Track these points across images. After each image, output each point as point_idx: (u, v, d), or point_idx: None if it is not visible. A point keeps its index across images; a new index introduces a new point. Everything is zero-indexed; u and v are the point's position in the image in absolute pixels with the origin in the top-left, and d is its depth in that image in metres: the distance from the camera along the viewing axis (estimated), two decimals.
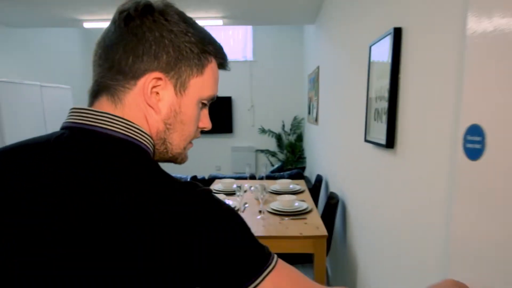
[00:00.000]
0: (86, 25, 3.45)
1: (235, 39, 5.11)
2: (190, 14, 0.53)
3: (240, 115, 5.18)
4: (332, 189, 2.38)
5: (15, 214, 0.50)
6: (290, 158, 4.81)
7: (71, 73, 4.62)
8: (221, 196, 2.04)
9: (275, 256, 0.50)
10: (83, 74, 4.95)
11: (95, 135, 0.47)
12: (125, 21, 0.48)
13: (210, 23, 3.48)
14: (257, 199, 1.99)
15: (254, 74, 5.06)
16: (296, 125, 5.01)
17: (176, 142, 0.54)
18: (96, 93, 0.51)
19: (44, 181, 0.48)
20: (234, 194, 2.23)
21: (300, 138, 4.96)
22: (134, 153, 0.48)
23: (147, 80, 0.49)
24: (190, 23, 0.51)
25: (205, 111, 0.58)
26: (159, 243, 0.41)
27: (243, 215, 1.81)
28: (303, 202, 2.04)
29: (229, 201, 1.99)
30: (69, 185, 0.46)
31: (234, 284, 0.46)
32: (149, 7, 0.49)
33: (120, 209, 0.42)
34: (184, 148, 0.56)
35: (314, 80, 3.41)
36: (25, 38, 3.81)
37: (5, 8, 3.01)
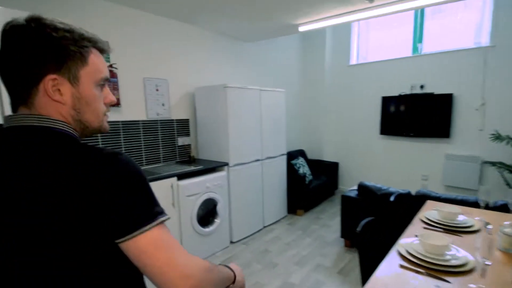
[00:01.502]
0: (301, 28, 3.60)
1: (464, 24, 4.06)
2: None
3: (463, 116, 4.11)
4: None
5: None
6: None
7: (288, 77, 5.08)
8: (434, 234, 1.54)
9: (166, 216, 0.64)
10: (298, 78, 5.33)
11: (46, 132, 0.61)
12: (9, 34, 0.58)
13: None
14: (506, 252, 1.36)
15: (490, 62, 3.86)
16: None
17: (91, 119, 0.67)
18: (15, 106, 0.64)
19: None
20: (459, 231, 1.67)
21: None
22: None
23: (46, 83, 0.60)
24: (64, 28, 0.61)
25: (106, 90, 0.71)
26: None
27: (484, 282, 1.14)
28: None
29: (457, 250, 1.38)
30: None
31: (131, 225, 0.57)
32: (32, 20, 0.59)
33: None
34: (101, 121, 0.69)
35: None
36: (255, 50, 4.44)
37: (241, 26, 3.56)
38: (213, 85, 3.35)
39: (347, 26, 4.98)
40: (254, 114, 3.58)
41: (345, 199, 3.22)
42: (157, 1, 2.84)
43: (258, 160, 3.66)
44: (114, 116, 2.88)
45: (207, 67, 3.79)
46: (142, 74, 3.10)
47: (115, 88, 2.83)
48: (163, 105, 3.28)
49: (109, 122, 2.84)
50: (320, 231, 3.68)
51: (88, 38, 0.65)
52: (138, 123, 3.08)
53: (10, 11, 1.99)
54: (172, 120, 3.40)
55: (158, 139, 3.27)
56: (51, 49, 0.60)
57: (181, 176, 2.84)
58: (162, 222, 0.62)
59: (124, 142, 2.97)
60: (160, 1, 2.84)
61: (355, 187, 3.33)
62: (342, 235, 3.30)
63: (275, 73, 4.88)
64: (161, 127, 3.29)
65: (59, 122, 0.63)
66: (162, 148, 3.31)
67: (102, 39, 0.69)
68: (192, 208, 2.85)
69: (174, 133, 3.43)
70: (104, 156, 0.59)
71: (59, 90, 0.62)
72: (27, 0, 2.31)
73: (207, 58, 3.78)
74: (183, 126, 3.53)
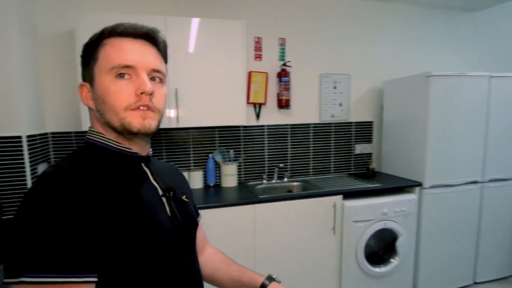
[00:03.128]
0: None
1: None
2: None
3: None
4: None
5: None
6: None
7: None
8: None
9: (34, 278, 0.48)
10: None
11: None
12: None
13: None
14: None
15: None
16: None
17: (112, 117, 0.64)
18: None
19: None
20: None
21: None
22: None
23: (79, 91, 0.68)
24: (93, 34, 0.66)
25: (139, 79, 0.63)
26: None
27: None
28: None
29: None
30: None
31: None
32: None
33: None
34: (122, 118, 0.63)
35: None
36: (484, 21, 3.15)
37: None
38: (410, 76, 2.59)
39: None
40: (475, 114, 2.50)
41: None
42: None
43: (475, 182, 2.57)
44: (282, 118, 2.76)
45: (404, 53, 3.00)
46: (319, 70, 2.80)
47: (286, 89, 2.68)
48: (340, 105, 2.86)
49: (277, 125, 2.76)
50: None
51: (104, 31, 0.65)
52: (309, 127, 2.83)
53: (183, 20, 2.16)
54: (350, 123, 2.92)
55: (330, 146, 2.90)
56: (81, 59, 0.68)
57: (349, 194, 2.35)
58: (34, 283, 0.48)
59: (291, 148, 2.80)
60: None
61: None
62: None
63: None
64: (335, 132, 2.89)
65: (94, 133, 0.69)
66: (335, 156, 2.92)
67: (130, 22, 0.65)
68: (359, 238, 2.32)
69: (351, 139, 2.94)
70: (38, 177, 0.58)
71: (89, 95, 0.67)
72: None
73: (406, 41, 2.99)
74: (364, 131, 2.97)
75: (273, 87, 2.70)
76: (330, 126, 2.87)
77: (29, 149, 1.89)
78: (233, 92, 2.29)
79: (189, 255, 0.75)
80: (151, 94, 0.64)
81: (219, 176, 2.62)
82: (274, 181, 2.70)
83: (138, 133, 0.64)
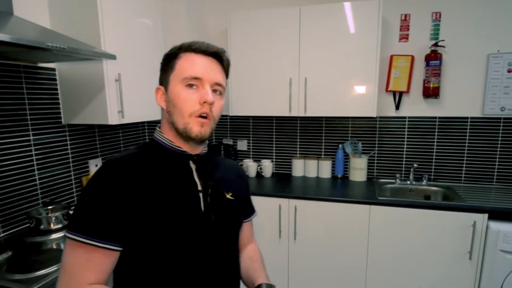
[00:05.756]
0: None
1: None
2: None
3: None
4: None
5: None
6: None
7: None
8: None
9: (84, 237, 0.68)
10: None
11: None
12: None
13: None
14: None
15: None
16: None
17: (177, 120, 0.78)
18: None
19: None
20: None
21: None
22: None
23: (156, 92, 0.84)
24: (174, 47, 0.83)
25: (203, 90, 0.78)
26: None
27: None
28: None
29: None
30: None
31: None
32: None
33: None
34: (186, 123, 0.78)
35: None
36: None
37: None
38: None
39: None
40: None
41: None
42: None
43: None
44: (428, 110, 2.45)
45: None
46: (487, 50, 2.28)
47: (435, 74, 2.34)
48: None
49: (421, 117, 2.52)
50: None
51: (182, 46, 0.80)
52: (465, 121, 2.38)
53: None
54: None
55: (496, 147, 2.33)
56: (161, 66, 0.85)
57: (500, 215, 1.90)
58: (71, 238, 0.70)
59: (438, 145, 2.45)
60: None
61: None
62: None
63: None
64: (505, 129, 2.30)
65: (157, 131, 0.86)
66: (501, 161, 2.33)
67: (204, 42, 0.80)
68: (508, 273, 1.86)
69: None
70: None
71: (163, 97, 0.83)
72: None
73: None
74: None
75: (418, 73, 2.42)
76: (498, 122, 2.30)
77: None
78: (363, 81, 2.25)
79: (215, 248, 0.82)
80: (211, 104, 0.78)
81: (348, 168, 2.64)
82: (409, 182, 2.47)
83: (195, 138, 0.79)
